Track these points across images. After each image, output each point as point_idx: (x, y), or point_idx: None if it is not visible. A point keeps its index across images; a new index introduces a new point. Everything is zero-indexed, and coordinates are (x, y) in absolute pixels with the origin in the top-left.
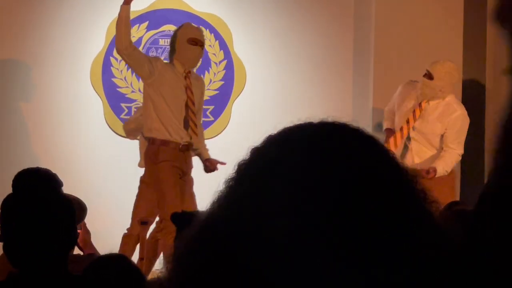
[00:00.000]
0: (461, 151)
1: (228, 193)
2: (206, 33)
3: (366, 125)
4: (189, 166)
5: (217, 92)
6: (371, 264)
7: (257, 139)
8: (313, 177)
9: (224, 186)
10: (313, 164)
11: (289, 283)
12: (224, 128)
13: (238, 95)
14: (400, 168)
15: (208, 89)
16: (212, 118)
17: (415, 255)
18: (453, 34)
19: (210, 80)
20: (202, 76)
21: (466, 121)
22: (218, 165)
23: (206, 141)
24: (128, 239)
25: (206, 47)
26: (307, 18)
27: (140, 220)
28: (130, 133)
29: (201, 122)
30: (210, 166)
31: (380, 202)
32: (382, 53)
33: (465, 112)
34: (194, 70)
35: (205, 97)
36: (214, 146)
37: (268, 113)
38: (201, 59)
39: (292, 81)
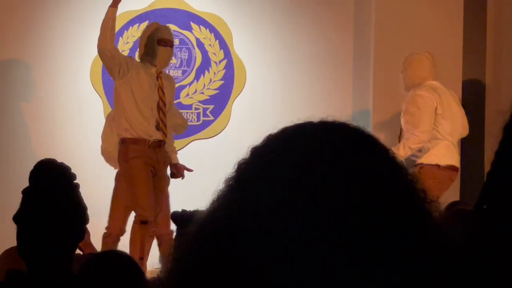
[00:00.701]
0: (416, 132)
1: (228, 193)
2: (206, 32)
3: (366, 125)
4: (162, 164)
5: (217, 91)
6: (371, 264)
7: (257, 139)
8: (313, 176)
9: (224, 185)
10: (313, 163)
11: (289, 283)
12: (224, 128)
13: (238, 95)
14: (400, 168)
15: (208, 88)
16: (212, 118)
17: (415, 255)
18: (453, 33)
19: (210, 80)
20: (172, 76)
21: (413, 101)
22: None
23: (206, 141)
24: (108, 239)
25: (206, 46)
26: (307, 17)
27: (140, 219)
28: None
29: (172, 123)
30: (176, 172)
31: (380, 201)
32: (381, 53)
33: (415, 93)
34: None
35: (205, 97)
36: (214, 146)
37: (268, 113)
38: (172, 58)
39: (292, 80)
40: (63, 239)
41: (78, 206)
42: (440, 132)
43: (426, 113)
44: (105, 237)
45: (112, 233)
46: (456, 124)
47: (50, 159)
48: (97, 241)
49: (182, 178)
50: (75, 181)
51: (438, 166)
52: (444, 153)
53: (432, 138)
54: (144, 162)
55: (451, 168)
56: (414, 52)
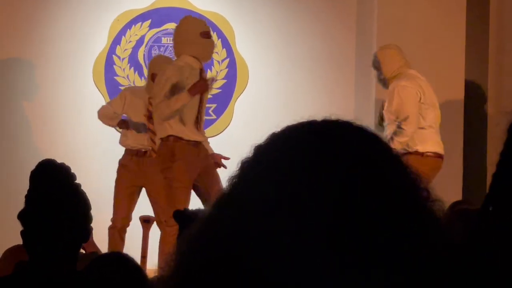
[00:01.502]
0: (403, 125)
1: (231, 192)
2: None
3: (369, 124)
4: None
5: (219, 90)
6: (372, 264)
7: (260, 137)
8: (317, 175)
9: (227, 184)
10: (316, 162)
11: (290, 283)
12: (227, 127)
13: (241, 94)
14: (403, 167)
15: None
16: (214, 117)
17: (416, 255)
18: (456, 32)
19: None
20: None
21: (396, 93)
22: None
23: (209, 139)
24: (113, 230)
25: None
26: (309, 16)
27: (142, 218)
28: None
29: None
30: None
31: (383, 200)
32: None
33: (398, 84)
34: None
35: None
36: (217, 145)
37: (270, 112)
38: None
39: (294, 79)
40: (66, 239)
41: (79, 206)
42: (425, 120)
43: (411, 104)
44: (110, 228)
45: (117, 225)
46: (437, 111)
47: (50, 159)
48: (103, 237)
49: (224, 167)
50: (76, 181)
51: (423, 154)
52: (429, 141)
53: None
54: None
55: (437, 155)
56: (379, 49)
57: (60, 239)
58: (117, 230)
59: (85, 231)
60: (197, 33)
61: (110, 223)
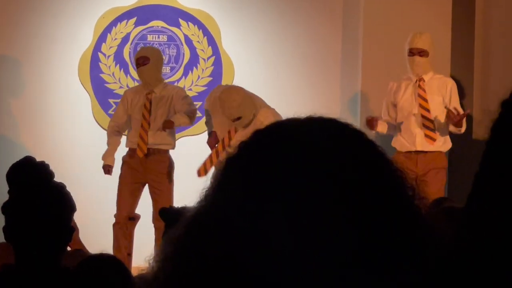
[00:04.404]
0: None
1: (217, 190)
2: (195, 29)
3: (354, 121)
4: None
5: (205, 88)
6: (358, 262)
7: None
8: (301, 172)
9: (212, 182)
10: (301, 159)
11: (277, 282)
12: None
13: None
14: (389, 164)
15: (196, 85)
16: (200, 114)
17: (403, 252)
18: (442, 29)
19: (198, 76)
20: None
21: None
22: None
23: (195, 137)
24: (117, 226)
25: (195, 43)
26: (295, 14)
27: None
28: None
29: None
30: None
31: (368, 198)
32: (370, 49)
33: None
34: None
35: (194, 93)
36: (203, 142)
37: None
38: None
39: (280, 77)
40: (44, 237)
41: (56, 204)
42: None
43: None
44: (114, 225)
45: (120, 221)
46: None
47: (27, 157)
48: (84, 238)
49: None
50: (55, 180)
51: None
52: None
53: None
54: None
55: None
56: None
57: (39, 237)
58: (120, 227)
59: (65, 229)
60: None
61: (96, 219)
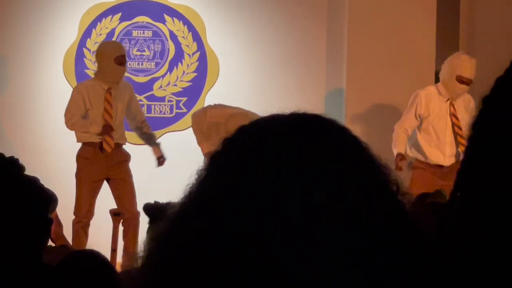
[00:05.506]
0: None
1: (201, 186)
2: (180, 24)
3: (339, 117)
4: None
5: (190, 83)
6: (342, 256)
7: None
8: (285, 168)
9: (196, 178)
10: (284, 155)
11: (260, 276)
12: None
13: (211, 87)
14: (373, 160)
15: (181, 80)
16: (185, 110)
17: (387, 246)
18: (426, 27)
19: (183, 72)
20: (176, 68)
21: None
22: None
23: (180, 132)
24: (78, 225)
25: (180, 38)
26: (280, 9)
27: (112, 211)
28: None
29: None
30: None
31: (352, 193)
32: (355, 45)
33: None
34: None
35: (179, 89)
36: (187, 138)
37: (240, 105)
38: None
39: (265, 73)
40: (19, 231)
41: (29, 198)
42: None
43: None
44: (75, 223)
45: (82, 220)
46: None
47: None
48: (67, 233)
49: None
50: (26, 173)
51: None
52: None
53: None
54: None
55: None
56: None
57: (13, 232)
58: (82, 226)
59: (41, 223)
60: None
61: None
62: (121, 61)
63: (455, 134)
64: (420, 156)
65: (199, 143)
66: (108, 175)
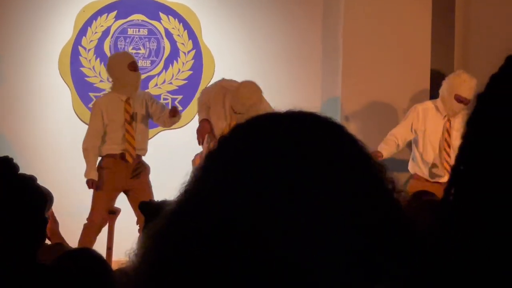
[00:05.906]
0: None
1: (197, 184)
2: (175, 22)
3: (335, 115)
4: None
5: (185, 81)
6: (337, 252)
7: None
8: (281, 166)
9: (192, 176)
10: (281, 153)
11: (257, 274)
12: (193, 118)
13: (207, 85)
14: (369, 158)
15: (177, 78)
16: (180, 108)
17: (383, 243)
18: (422, 28)
19: (179, 70)
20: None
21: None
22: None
23: (175, 130)
24: (90, 229)
25: (175, 36)
26: (275, 7)
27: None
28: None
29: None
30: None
31: (348, 191)
32: (351, 44)
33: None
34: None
35: (174, 87)
36: (183, 136)
37: None
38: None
39: (260, 71)
40: (15, 230)
41: (25, 197)
42: None
43: None
44: (87, 227)
45: (95, 225)
46: None
47: None
48: (63, 231)
49: None
50: (20, 172)
51: None
52: None
53: None
54: None
55: None
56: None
57: (9, 231)
58: (95, 231)
59: (37, 222)
60: None
61: (76, 213)
62: (134, 67)
63: (442, 148)
64: (419, 171)
65: (198, 112)
66: (127, 187)
